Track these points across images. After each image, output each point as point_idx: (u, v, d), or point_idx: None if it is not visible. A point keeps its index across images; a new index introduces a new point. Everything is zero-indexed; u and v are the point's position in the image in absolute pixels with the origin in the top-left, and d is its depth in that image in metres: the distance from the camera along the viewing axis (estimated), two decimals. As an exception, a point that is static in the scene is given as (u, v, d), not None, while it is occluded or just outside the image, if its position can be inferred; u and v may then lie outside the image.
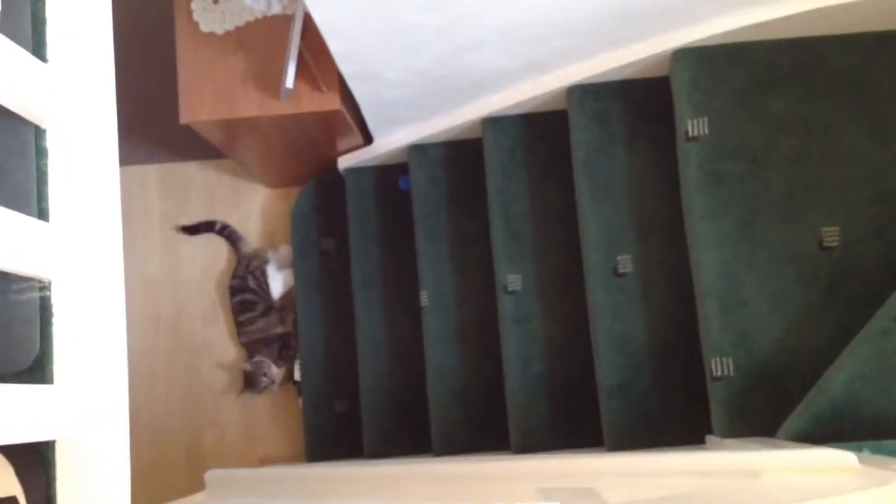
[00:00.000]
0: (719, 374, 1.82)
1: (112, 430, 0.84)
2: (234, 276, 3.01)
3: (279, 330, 2.91)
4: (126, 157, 3.08)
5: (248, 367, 2.89)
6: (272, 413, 3.06)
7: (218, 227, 3.10)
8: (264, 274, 2.94)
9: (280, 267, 2.98)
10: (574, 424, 2.21)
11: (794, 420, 1.65)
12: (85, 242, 0.84)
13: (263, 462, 3.00)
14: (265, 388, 2.88)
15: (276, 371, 2.89)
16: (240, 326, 2.97)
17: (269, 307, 2.93)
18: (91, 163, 0.86)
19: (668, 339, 2.04)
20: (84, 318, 0.83)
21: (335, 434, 2.83)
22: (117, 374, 0.86)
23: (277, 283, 2.94)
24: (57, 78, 0.86)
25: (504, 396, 2.28)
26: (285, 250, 3.02)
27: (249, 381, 2.89)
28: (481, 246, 2.42)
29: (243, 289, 2.94)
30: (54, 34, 0.86)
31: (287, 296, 2.97)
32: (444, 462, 1.65)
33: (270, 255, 3.00)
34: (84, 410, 0.82)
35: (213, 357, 3.11)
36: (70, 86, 0.86)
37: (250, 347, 2.94)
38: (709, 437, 1.92)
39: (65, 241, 0.82)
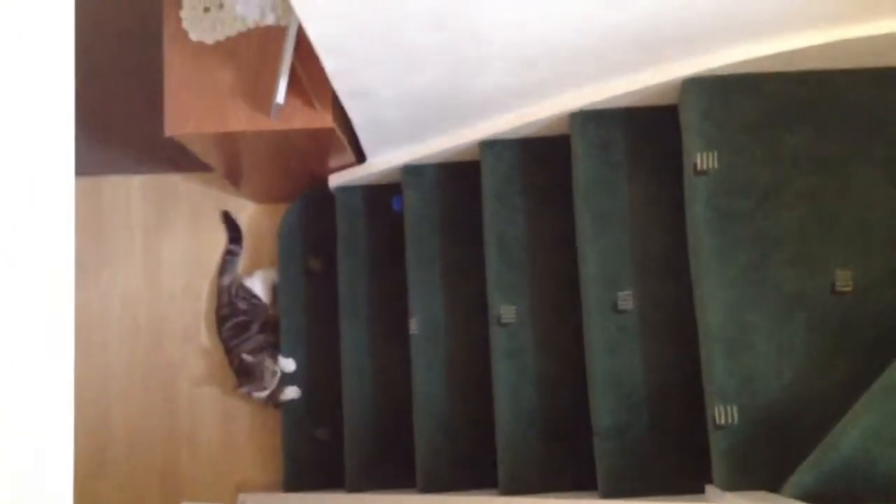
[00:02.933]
0: (722, 421, 1.72)
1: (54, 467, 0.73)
2: (219, 308, 2.91)
3: (273, 339, 2.80)
4: (109, 167, 3.04)
5: (249, 358, 2.74)
6: (250, 434, 2.95)
7: (231, 248, 3.01)
8: (247, 290, 2.84)
9: (255, 272, 2.90)
10: (566, 466, 2.11)
11: (802, 476, 1.56)
12: (30, 257, 0.73)
13: (240, 488, 2.88)
14: (267, 386, 2.74)
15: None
16: (235, 350, 2.83)
17: (267, 320, 2.83)
18: (43, 165, 0.75)
19: (668, 382, 1.95)
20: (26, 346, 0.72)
21: (316, 462, 2.72)
22: (63, 415, 0.75)
23: (258, 286, 2.85)
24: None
25: (493, 432, 2.18)
26: (262, 274, 2.94)
27: (249, 375, 2.75)
28: (475, 274, 2.31)
29: (234, 314, 2.84)
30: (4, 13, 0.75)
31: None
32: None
33: (244, 276, 2.91)
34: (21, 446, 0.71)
35: (192, 375, 3.00)
36: (19, 74, 0.75)
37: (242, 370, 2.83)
38: (708, 488, 1.82)
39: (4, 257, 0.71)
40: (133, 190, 3.10)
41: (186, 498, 2.88)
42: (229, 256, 2.99)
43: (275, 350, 2.78)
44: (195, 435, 2.97)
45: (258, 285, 2.87)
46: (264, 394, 2.74)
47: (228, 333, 2.84)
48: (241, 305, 2.83)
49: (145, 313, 3.04)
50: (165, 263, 3.06)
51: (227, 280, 2.94)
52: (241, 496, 2.79)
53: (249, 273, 2.94)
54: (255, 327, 2.82)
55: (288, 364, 2.73)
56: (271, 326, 2.83)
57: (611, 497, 1.91)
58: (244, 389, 2.76)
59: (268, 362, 2.73)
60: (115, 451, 2.97)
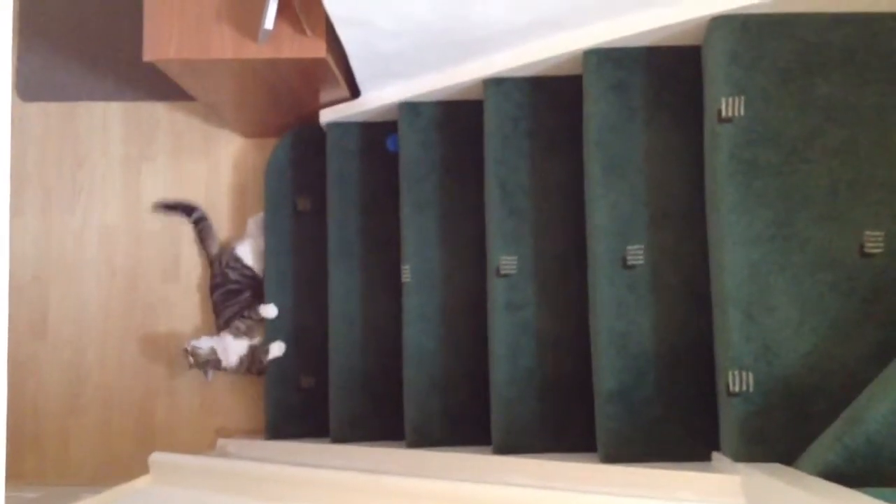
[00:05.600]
0: (736, 388, 1.62)
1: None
2: (213, 277, 2.77)
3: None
4: (86, 92, 2.87)
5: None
6: (231, 382, 2.83)
7: (195, 216, 2.85)
8: (238, 259, 2.71)
9: (246, 238, 2.75)
10: (563, 427, 2.01)
11: (824, 452, 1.44)
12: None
13: (220, 435, 2.78)
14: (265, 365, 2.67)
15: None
16: (223, 311, 2.71)
17: (259, 290, 2.71)
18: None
19: (678, 343, 1.83)
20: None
21: (299, 411, 2.63)
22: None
23: (248, 256, 2.71)
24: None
25: (487, 389, 2.07)
26: (252, 225, 2.78)
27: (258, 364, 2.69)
28: (474, 221, 2.20)
29: (225, 283, 2.71)
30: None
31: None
32: (420, 479, 1.44)
33: (236, 243, 2.77)
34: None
35: (172, 317, 2.87)
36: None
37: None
38: (716, 455, 1.73)
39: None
40: (112, 117, 2.93)
41: (162, 443, 2.78)
42: (200, 225, 2.85)
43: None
44: (173, 379, 2.86)
45: (248, 255, 2.73)
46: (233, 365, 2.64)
47: (220, 298, 2.72)
48: (233, 276, 2.71)
49: (123, 250, 2.90)
50: (145, 198, 2.91)
51: (214, 249, 2.82)
52: (221, 441, 2.70)
53: (241, 240, 2.79)
54: (247, 294, 2.70)
55: (269, 310, 2.61)
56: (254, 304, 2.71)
57: (611, 461, 1.80)
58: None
59: (257, 349, 2.65)
60: (90, 391, 2.86)
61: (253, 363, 2.63)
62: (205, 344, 2.59)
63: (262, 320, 2.65)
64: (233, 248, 2.74)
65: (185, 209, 2.87)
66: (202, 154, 2.89)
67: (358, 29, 1.88)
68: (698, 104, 1.81)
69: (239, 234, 2.85)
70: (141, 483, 1.92)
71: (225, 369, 2.62)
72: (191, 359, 2.57)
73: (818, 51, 1.69)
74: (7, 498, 0.99)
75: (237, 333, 2.62)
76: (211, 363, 2.58)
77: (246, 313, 2.65)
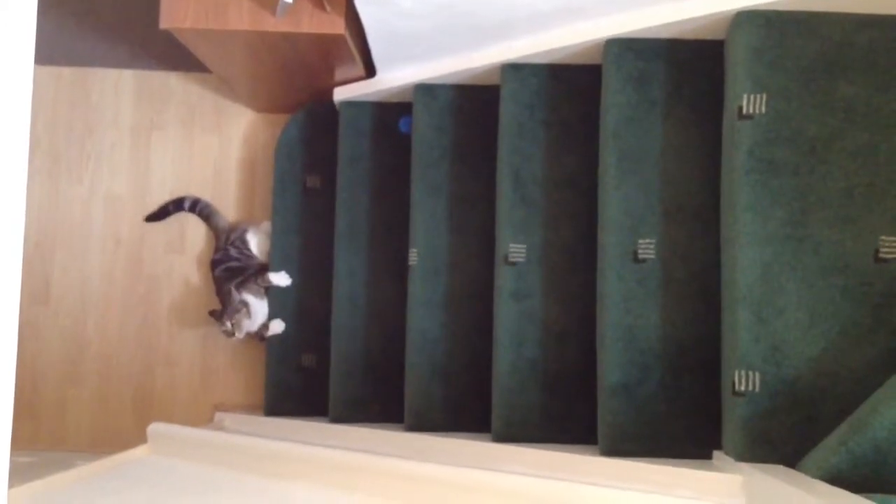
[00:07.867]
0: (742, 389, 1.60)
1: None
2: (215, 251, 2.77)
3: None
4: (98, 58, 2.84)
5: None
6: (231, 357, 2.82)
7: (188, 203, 2.85)
8: (245, 242, 2.72)
9: (258, 232, 2.75)
10: (564, 418, 2.00)
11: (828, 456, 1.43)
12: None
13: (218, 408, 2.77)
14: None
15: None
16: (241, 280, 2.68)
17: (262, 268, 2.69)
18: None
19: (685, 340, 1.81)
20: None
21: (299, 389, 2.61)
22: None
23: (253, 243, 2.71)
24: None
25: (489, 377, 2.06)
26: (267, 226, 2.76)
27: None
28: (484, 208, 2.19)
29: (227, 260, 2.71)
30: None
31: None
32: (419, 463, 1.42)
33: (249, 226, 2.77)
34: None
35: (174, 289, 2.86)
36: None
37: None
38: (717, 454, 1.72)
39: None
40: (123, 85, 2.91)
41: (160, 415, 2.78)
42: (197, 208, 2.85)
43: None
44: (174, 352, 2.85)
45: (254, 243, 2.73)
46: (237, 333, 2.58)
47: (222, 275, 2.70)
48: (233, 253, 2.71)
49: (129, 220, 2.89)
50: (154, 168, 2.90)
51: (222, 222, 2.82)
52: (219, 414, 2.69)
53: (256, 224, 2.79)
54: (248, 273, 2.68)
55: (281, 278, 2.60)
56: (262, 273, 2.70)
57: (612, 455, 1.79)
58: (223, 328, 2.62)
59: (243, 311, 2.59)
60: (90, 360, 2.85)
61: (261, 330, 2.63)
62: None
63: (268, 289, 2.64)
64: (245, 231, 2.74)
65: (174, 206, 2.86)
66: (213, 127, 2.88)
67: (378, 7, 1.85)
68: (718, 99, 1.79)
69: (244, 209, 2.84)
70: (139, 452, 1.91)
71: (247, 331, 2.60)
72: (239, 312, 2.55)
73: (842, 52, 1.67)
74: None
75: (258, 293, 2.61)
76: (244, 321, 2.57)
77: (255, 280, 2.63)
